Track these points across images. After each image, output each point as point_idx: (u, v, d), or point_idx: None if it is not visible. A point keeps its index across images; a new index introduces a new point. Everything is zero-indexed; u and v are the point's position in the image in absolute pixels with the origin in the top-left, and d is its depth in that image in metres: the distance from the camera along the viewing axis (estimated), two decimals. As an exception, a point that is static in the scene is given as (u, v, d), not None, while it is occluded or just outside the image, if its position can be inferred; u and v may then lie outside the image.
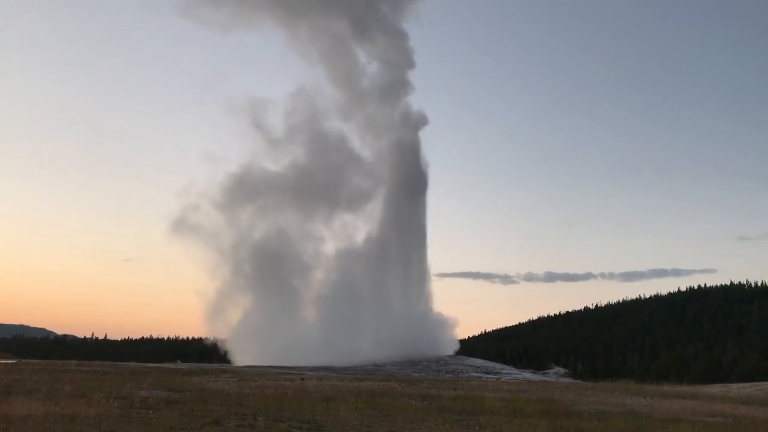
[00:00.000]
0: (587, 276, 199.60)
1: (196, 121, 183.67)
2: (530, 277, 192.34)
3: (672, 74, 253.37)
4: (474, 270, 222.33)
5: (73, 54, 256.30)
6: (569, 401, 16.62)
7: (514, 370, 41.33)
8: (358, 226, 46.32)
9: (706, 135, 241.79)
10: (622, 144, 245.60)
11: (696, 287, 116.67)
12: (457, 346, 43.96)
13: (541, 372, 46.88)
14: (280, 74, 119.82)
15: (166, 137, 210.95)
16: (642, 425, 12.36)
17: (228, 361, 41.68)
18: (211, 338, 45.26)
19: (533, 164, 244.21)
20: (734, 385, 32.74)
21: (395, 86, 47.23)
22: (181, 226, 44.44)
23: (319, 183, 45.02)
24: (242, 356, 40.00)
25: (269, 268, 43.93)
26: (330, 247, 45.62)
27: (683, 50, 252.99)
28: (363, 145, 47.00)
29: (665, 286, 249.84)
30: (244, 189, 44.77)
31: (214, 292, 43.91)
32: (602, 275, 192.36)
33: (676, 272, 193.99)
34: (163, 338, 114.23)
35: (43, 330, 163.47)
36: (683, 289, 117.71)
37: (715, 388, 29.01)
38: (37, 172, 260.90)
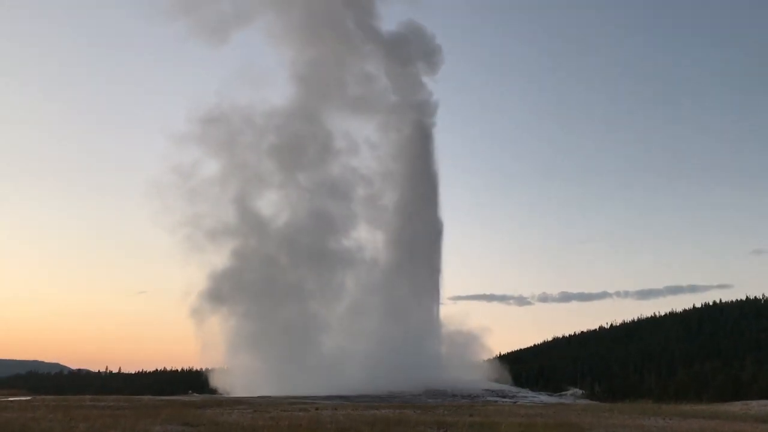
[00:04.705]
0: (602, 295, 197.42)
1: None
2: (545, 298, 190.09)
3: (685, 85, 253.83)
4: (488, 292, 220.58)
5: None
6: (586, 424, 16.42)
7: (531, 393, 41.00)
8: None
9: (720, 149, 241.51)
10: (634, 160, 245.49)
11: (711, 303, 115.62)
12: (484, 377, 43.40)
13: (558, 394, 46.48)
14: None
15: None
16: (661, 448, 12.18)
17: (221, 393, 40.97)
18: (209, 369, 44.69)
19: (545, 184, 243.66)
20: (754, 402, 32.21)
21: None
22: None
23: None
24: (247, 389, 38.82)
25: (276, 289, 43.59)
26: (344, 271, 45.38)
27: (700, 57, 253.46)
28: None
29: (681, 303, 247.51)
30: None
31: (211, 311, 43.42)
32: (617, 294, 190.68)
33: (693, 288, 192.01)
34: (177, 370, 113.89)
35: (57, 365, 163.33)
36: (698, 305, 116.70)
37: (736, 406, 28.56)
38: (47, 204, 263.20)
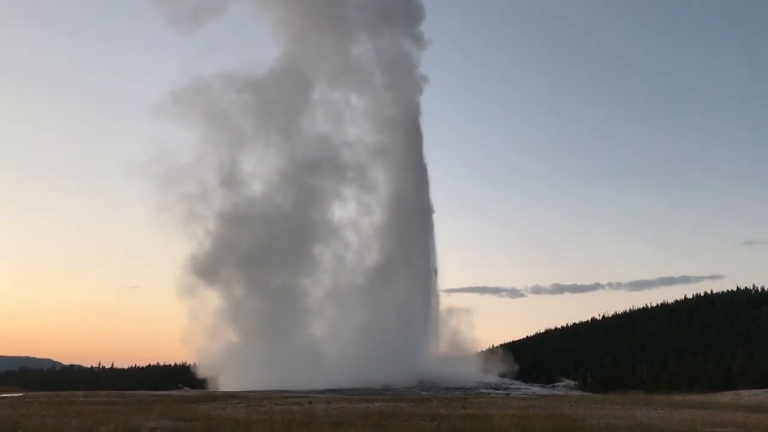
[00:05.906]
0: (595, 286, 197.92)
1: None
2: (537, 290, 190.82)
3: (675, 77, 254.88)
4: (481, 284, 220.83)
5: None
6: (579, 416, 16.49)
7: (524, 385, 41.16)
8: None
9: (710, 140, 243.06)
10: (626, 152, 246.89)
11: (702, 294, 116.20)
12: (478, 369, 43.18)
13: (551, 386, 46.67)
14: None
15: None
16: (653, 438, 12.23)
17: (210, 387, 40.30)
18: (200, 363, 43.84)
19: (537, 176, 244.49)
20: (745, 392, 32.47)
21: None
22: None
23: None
24: (238, 382, 37.55)
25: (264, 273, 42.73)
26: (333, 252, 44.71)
27: (684, 52, 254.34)
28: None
29: (674, 294, 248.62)
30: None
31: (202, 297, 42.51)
32: (610, 285, 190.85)
33: (685, 279, 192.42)
34: (170, 365, 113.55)
35: (49, 360, 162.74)
36: (690, 296, 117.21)
37: (727, 396, 28.78)
38: (38, 199, 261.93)
